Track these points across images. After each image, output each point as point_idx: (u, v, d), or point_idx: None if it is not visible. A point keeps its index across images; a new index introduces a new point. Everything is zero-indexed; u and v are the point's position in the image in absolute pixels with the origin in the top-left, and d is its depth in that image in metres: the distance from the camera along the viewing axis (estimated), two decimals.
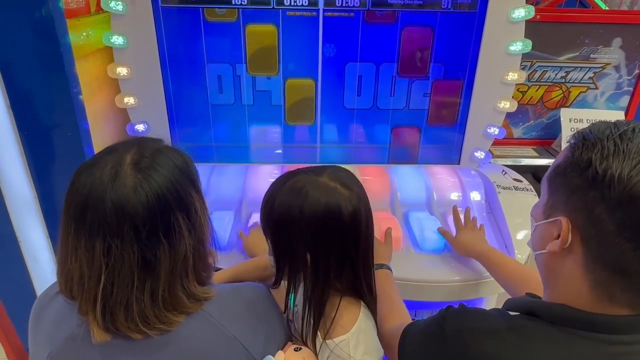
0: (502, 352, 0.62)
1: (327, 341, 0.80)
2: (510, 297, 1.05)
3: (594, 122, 1.97)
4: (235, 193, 1.49)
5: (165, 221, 0.65)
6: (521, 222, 1.43)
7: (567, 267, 0.62)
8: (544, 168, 1.95)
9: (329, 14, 1.45)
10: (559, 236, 0.61)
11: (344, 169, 0.86)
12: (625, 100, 2.07)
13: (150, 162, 0.66)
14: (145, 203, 0.63)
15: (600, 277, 0.58)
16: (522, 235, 1.39)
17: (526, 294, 0.76)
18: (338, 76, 1.55)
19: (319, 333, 0.82)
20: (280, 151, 1.67)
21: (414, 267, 1.29)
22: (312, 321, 0.82)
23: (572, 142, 0.62)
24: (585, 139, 0.59)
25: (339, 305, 0.82)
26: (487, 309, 0.72)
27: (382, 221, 1.37)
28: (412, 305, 1.35)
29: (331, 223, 0.77)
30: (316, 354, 0.82)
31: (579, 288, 0.60)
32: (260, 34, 1.47)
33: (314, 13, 1.44)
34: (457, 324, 0.68)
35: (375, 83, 1.56)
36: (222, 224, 1.36)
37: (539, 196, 1.62)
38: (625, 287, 0.57)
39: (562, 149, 2.02)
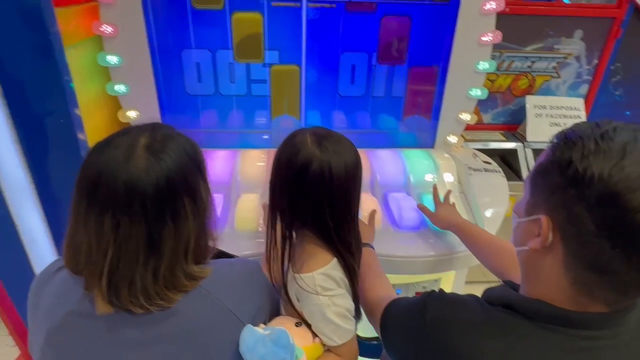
0: (479, 344, 0.61)
1: (294, 274, 0.83)
2: (481, 264, 1.08)
3: (556, 108, 1.99)
4: (225, 177, 1.49)
5: (172, 204, 0.65)
6: (489, 201, 1.46)
7: (547, 265, 0.60)
8: (511, 151, 2.02)
9: (312, 4, 1.43)
10: (539, 234, 0.59)
11: (336, 133, 0.86)
12: (584, 89, 2.11)
13: (162, 147, 0.66)
14: (155, 184, 0.63)
15: (580, 275, 0.56)
16: (490, 212, 1.42)
17: (504, 282, 0.74)
18: (322, 65, 1.54)
19: (290, 271, 0.85)
20: (267, 137, 1.66)
21: (392, 244, 1.31)
22: (282, 257, 0.86)
23: (554, 141, 0.59)
24: (567, 138, 0.56)
25: (309, 250, 0.85)
26: (464, 294, 0.71)
27: (363, 202, 1.39)
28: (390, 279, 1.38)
29: (297, 175, 0.80)
30: (287, 294, 0.86)
31: (558, 285, 0.59)
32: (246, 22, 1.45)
33: (298, 4, 1.42)
34: (437, 313, 0.67)
35: (358, 71, 1.56)
36: None
37: (506, 177, 1.67)
38: (604, 285, 0.55)
39: (527, 133, 2.03)
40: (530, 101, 2.06)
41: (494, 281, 0.83)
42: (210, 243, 0.77)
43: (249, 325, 0.74)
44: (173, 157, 0.66)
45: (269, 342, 0.71)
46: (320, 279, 0.82)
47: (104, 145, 0.66)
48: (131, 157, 0.63)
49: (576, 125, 0.58)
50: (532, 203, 0.62)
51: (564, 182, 0.55)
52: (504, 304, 0.64)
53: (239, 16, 1.43)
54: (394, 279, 1.39)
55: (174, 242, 0.66)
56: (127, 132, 0.68)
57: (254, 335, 0.72)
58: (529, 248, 0.61)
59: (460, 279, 1.56)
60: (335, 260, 0.85)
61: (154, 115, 1.53)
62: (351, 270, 0.87)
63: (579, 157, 0.53)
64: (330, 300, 0.82)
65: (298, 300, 0.85)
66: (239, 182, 1.48)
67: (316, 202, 0.81)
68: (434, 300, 0.69)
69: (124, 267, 0.64)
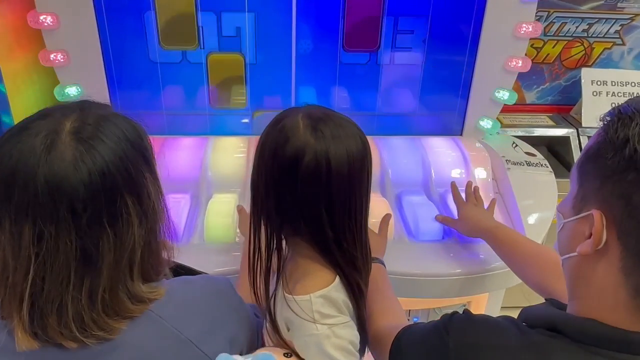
0: None
1: (286, 295, 0.83)
2: (520, 279, 1.10)
3: (620, 84, 1.98)
4: (192, 172, 1.49)
5: (111, 205, 0.65)
6: (533, 204, 1.46)
7: (600, 273, 0.61)
8: (562, 139, 2.00)
9: None
10: (590, 234, 0.60)
11: (337, 114, 0.86)
12: None
13: (94, 132, 0.66)
14: (87, 182, 0.63)
15: None
16: (534, 218, 1.42)
17: (546, 300, 0.75)
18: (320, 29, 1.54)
19: (280, 292, 0.86)
20: (247, 120, 1.65)
21: (408, 259, 1.31)
22: (266, 273, 0.88)
23: (606, 119, 0.61)
24: (622, 114, 0.59)
25: (304, 266, 0.85)
26: (497, 316, 0.72)
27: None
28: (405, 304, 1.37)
29: (286, 169, 0.80)
30: (272, 320, 0.87)
31: (615, 298, 0.60)
32: None
33: None
34: (462, 338, 0.68)
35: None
36: (175, 210, 1.36)
37: (555, 173, 1.65)
38: None
39: (582, 116, 2.02)
40: (587, 75, 2.06)
41: None
42: (164, 255, 0.79)
43: (224, 354, 0.74)
44: (110, 144, 0.66)
45: None
46: (319, 303, 0.82)
47: (18, 131, 0.65)
48: (54, 147, 0.63)
49: (632, 99, 0.60)
50: (580, 197, 0.64)
51: (619, 166, 0.57)
52: (547, 325, 0.65)
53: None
54: (410, 303, 1.41)
55: (114, 254, 0.66)
56: (49, 113, 0.67)
57: None
58: (577, 253, 0.62)
59: (495, 302, 1.56)
60: (338, 279, 0.85)
61: (100, 92, 1.52)
62: (357, 291, 0.87)
63: (637, 134, 0.55)
64: (330, 330, 0.81)
65: (288, 329, 0.85)
66: (210, 179, 1.48)
67: (311, 205, 0.81)
68: (458, 322, 0.71)
69: (51, 289, 0.64)
